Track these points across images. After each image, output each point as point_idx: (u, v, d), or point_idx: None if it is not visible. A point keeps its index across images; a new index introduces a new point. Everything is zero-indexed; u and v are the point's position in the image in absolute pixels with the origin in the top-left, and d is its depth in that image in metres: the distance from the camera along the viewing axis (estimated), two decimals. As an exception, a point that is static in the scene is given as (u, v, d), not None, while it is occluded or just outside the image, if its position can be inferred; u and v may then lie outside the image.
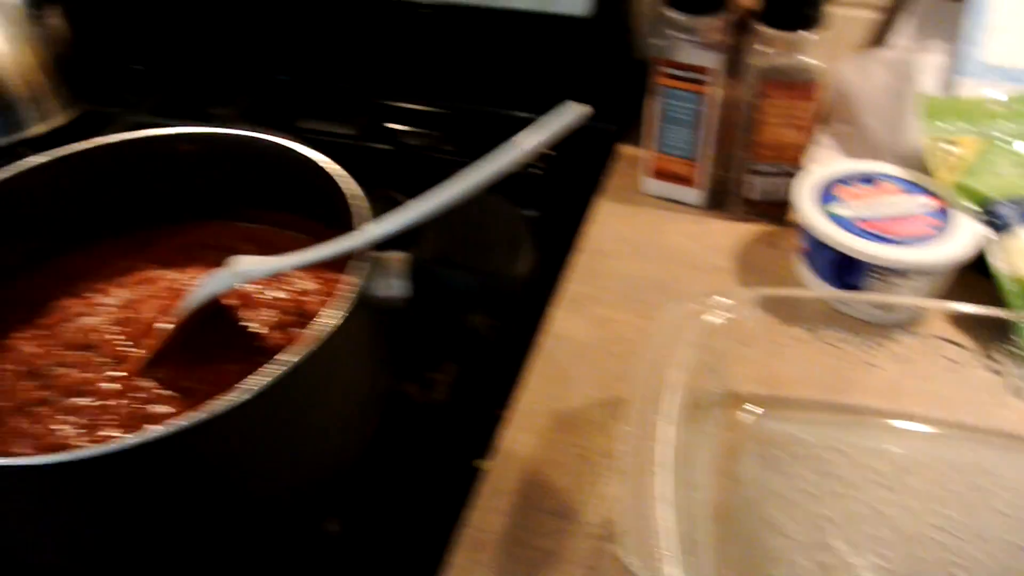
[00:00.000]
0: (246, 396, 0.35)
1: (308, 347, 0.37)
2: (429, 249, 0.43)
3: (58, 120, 0.75)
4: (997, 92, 0.61)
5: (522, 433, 0.51)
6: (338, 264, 0.46)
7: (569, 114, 0.36)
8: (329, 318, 0.38)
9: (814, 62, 0.58)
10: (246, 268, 0.44)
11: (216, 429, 0.35)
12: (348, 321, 0.39)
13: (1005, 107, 0.61)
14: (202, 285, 0.44)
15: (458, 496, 0.48)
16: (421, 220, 0.39)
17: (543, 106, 0.73)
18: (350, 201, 0.45)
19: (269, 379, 0.36)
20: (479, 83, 0.76)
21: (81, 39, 0.77)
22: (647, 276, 0.61)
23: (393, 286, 0.42)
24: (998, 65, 0.63)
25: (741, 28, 0.61)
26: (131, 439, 0.33)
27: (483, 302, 0.45)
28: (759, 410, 0.51)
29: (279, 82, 0.80)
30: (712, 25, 0.59)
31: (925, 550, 0.44)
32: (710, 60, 0.60)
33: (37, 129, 0.74)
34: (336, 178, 0.47)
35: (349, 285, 0.40)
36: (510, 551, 0.45)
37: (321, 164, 0.48)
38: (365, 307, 0.41)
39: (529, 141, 0.36)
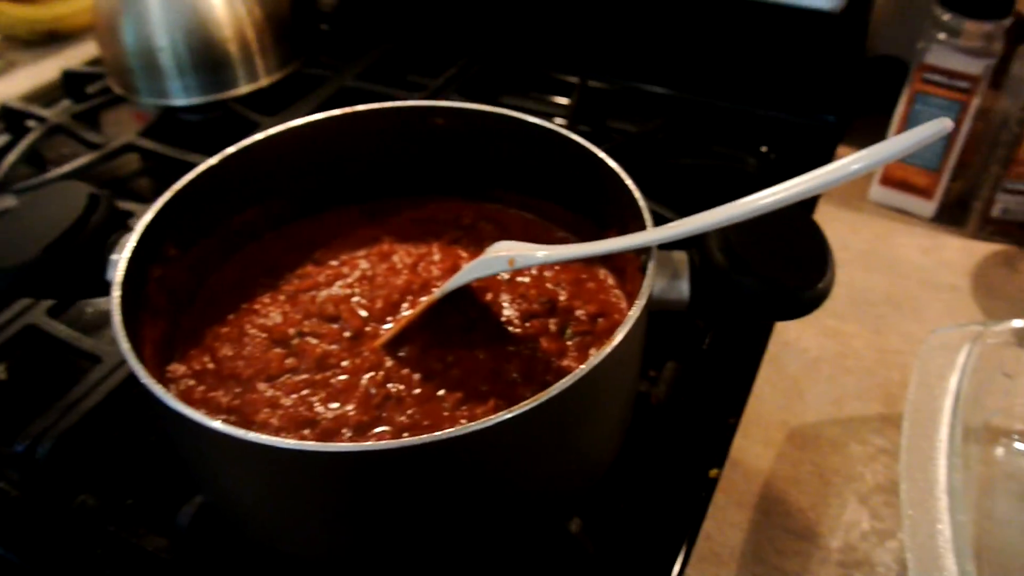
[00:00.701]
0: (547, 398, 0.33)
1: (606, 351, 0.35)
2: (718, 250, 0.41)
3: (267, 79, 0.76)
4: None
5: (754, 444, 0.49)
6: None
7: (930, 129, 0.33)
8: (626, 322, 0.37)
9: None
10: (529, 255, 0.41)
11: (509, 430, 0.33)
12: (636, 325, 0.37)
13: None
14: (471, 267, 0.43)
15: (691, 502, 0.46)
16: (726, 224, 0.37)
17: (764, 100, 0.72)
18: (634, 196, 0.43)
19: (570, 381, 0.34)
20: (697, 72, 0.74)
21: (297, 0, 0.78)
22: (877, 289, 0.58)
23: (678, 288, 0.40)
24: None
25: (1015, 34, 0.56)
26: (435, 435, 0.32)
27: (771, 313, 0.42)
28: (1018, 446, 0.47)
29: (484, 57, 0.79)
30: (985, 30, 0.55)
31: None
32: (977, 67, 0.56)
33: (247, 87, 0.75)
34: (616, 171, 0.45)
35: (643, 286, 0.39)
36: (749, 568, 0.43)
37: (599, 155, 0.46)
38: (648, 307, 0.39)
39: (880, 154, 0.33)
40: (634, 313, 0.37)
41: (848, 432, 0.50)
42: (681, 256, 0.42)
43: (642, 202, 0.43)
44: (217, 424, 0.33)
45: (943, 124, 0.34)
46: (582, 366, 0.34)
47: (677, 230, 0.39)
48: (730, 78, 0.73)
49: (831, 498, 0.47)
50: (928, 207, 0.63)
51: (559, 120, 0.70)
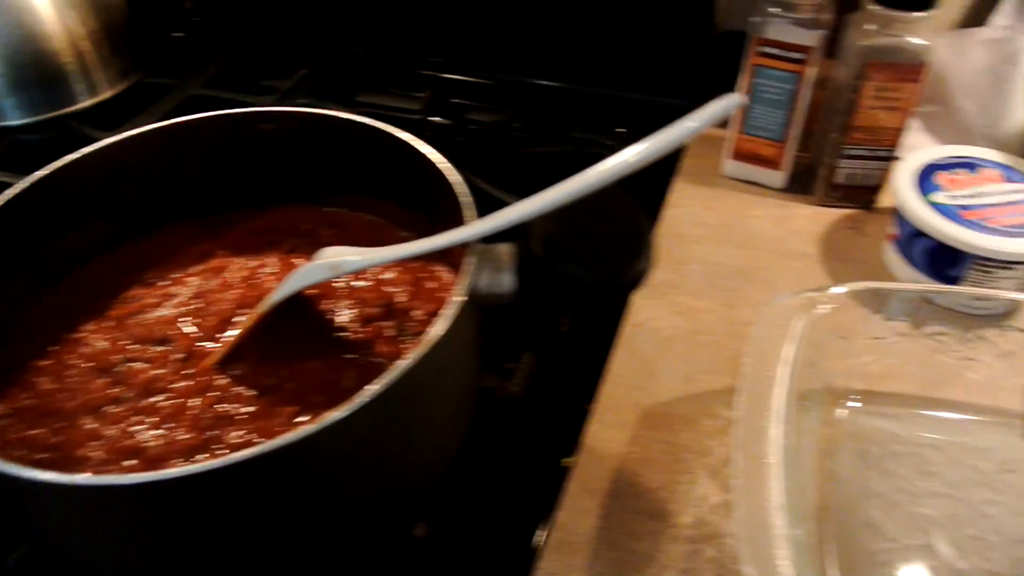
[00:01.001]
0: (355, 407, 0.33)
1: (421, 351, 0.35)
2: (539, 240, 0.41)
3: (108, 92, 0.72)
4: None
5: (608, 429, 0.49)
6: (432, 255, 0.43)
7: (723, 105, 0.33)
8: (441, 319, 0.36)
9: (922, 42, 0.55)
10: (345, 260, 0.41)
11: (319, 444, 0.33)
12: (457, 320, 0.37)
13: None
14: (293, 278, 0.42)
15: (545, 495, 0.46)
16: (543, 212, 0.36)
17: (615, 81, 0.72)
18: (456, 190, 0.42)
19: (379, 388, 0.33)
20: (550, 56, 0.73)
21: (136, 7, 0.75)
22: (730, 262, 0.59)
23: (502, 281, 0.40)
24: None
25: (843, 5, 0.58)
26: (234, 457, 0.31)
27: (596, 299, 0.42)
28: (857, 405, 0.49)
29: (339, 54, 0.77)
30: (815, 2, 0.56)
31: (1028, 551, 0.43)
32: (810, 38, 0.57)
33: (87, 102, 0.71)
34: (438, 165, 0.45)
35: (459, 281, 0.38)
36: (602, 554, 0.44)
37: (421, 150, 0.45)
38: (473, 302, 0.39)
39: (674, 134, 0.34)
40: (448, 312, 0.37)
41: (699, 407, 0.50)
42: (505, 249, 0.42)
43: (464, 197, 0.43)
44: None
45: (733, 99, 0.35)
46: (388, 373, 0.34)
47: (491, 224, 0.39)
48: (585, 62, 0.72)
49: (682, 475, 0.47)
50: (778, 177, 0.64)
51: (417, 116, 0.69)
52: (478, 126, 0.68)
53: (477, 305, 0.40)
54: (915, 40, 0.55)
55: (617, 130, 0.68)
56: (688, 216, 0.63)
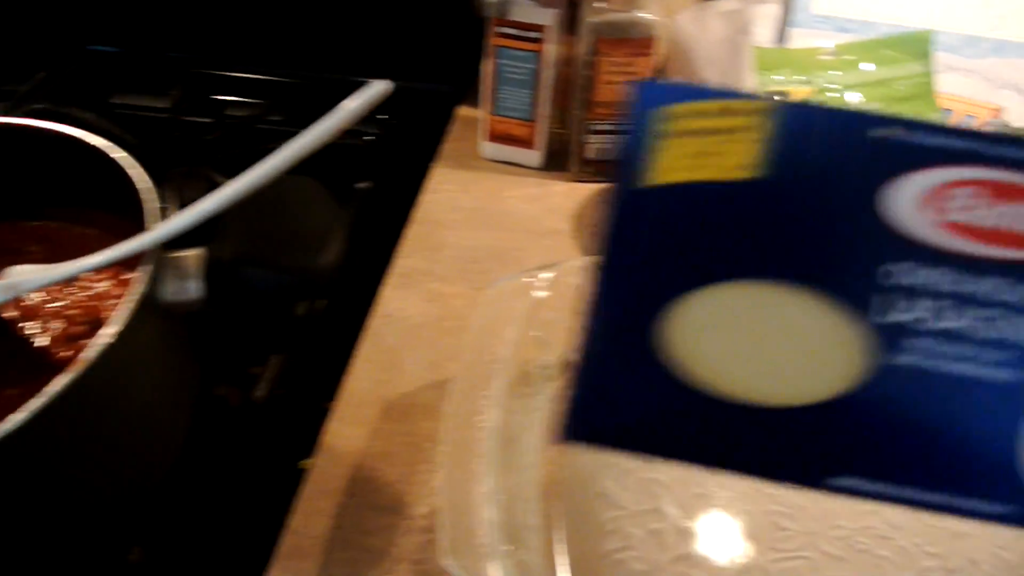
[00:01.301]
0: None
1: (80, 367, 0.33)
2: (230, 244, 0.40)
3: None
4: (826, 42, 0.61)
5: (348, 426, 0.49)
6: (135, 264, 0.42)
7: (371, 93, 0.34)
8: (106, 330, 0.35)
9: (650, 17, 0.56)
10: (20, 280, 0.39)
11: None
12: (133, 330, 0.36)
13: (834, 57, 0.60)
14: (-33, 301, 0.40)
15: (280, 503, 0.45)
16: (213, 214, 0.35)
17: (378, 69, 0.70)
18: (142, 196, 0.41)
19: (25, 414, 0.32)
20: (308, 47, 0.72)
21: None
22: (484, 245, 0.59)
23: (186, 288, 0.39)
24: (827, 15, 0.63)
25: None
26: None
27: (287, 301, 0.42)
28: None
29: (85, 52, 0.73)
30: (547, -19, 0.57)
31: (752, 503, 0.44)
32: (546, 17, 0.58)
33: None
34: (127, 169, 0.43)
35: (132, 290, 0.37)
36: (334, 555, 0.43)
37: (111, 155, 0.43)
38: (155, 312, 0.38)
39: (326, 125, 0.34)
40: (110, 329, 0.35)
41: (442, 395, 0.50)
42: (192, 255, 0.40)
43: (150, 204, 0.41)
44: None
45: (379, 86, 0.36)
46: (35, 400, 0.32)
47: (166, 229, 0.38)
48: (347, 51, 0.71)
49: (420, 465, 0.47)
50: (534, 156, 0.65)
51: (167, 115, 0.66)
52: (234, 122, 0.65)
53: (164, 314, 0.39)
54: (643, 15, 0.57)
55: (379, 117, 0.67)
56: (445, 201, 0.62)
